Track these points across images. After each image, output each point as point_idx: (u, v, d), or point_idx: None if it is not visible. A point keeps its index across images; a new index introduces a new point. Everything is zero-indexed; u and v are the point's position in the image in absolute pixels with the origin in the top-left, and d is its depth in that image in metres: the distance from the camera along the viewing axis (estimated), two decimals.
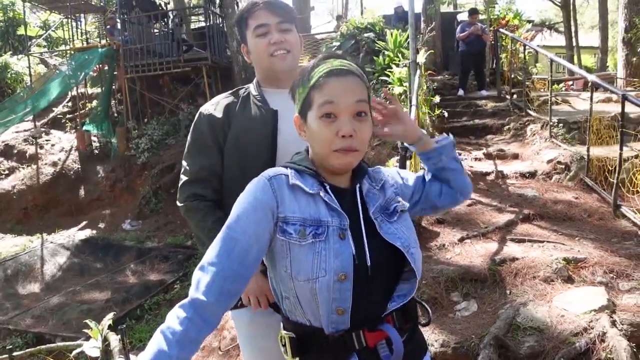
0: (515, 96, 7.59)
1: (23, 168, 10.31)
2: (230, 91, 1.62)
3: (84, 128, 10.66)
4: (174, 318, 0.97)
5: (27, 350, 2.90)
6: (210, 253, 1.04)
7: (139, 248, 7.98)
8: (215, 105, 1.55)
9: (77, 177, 10.25)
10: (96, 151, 10.68)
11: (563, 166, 5.00)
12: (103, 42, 11.54)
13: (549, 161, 5.20)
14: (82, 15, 13.15)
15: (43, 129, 11.27)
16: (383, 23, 9.73)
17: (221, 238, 1.05)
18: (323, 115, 1.07)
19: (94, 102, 11.69)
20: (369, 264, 1.06)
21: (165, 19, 11.81)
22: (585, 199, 4.34)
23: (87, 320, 2.36)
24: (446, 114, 6.59)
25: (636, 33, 8.86)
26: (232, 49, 10.36)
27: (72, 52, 11.53)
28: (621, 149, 3.88)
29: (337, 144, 1.06)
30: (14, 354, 2.58)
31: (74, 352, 2.49)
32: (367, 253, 1.06)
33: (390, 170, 1.29)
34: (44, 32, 14.92)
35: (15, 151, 10.59)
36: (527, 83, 7.26)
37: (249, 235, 1.03)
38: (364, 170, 1.19)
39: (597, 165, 4.60)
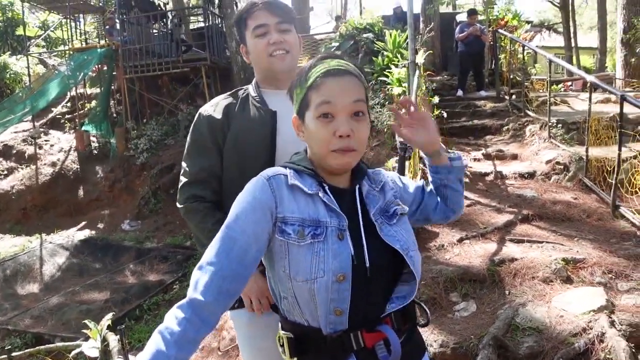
0: (514, 97, 7.59)
1: (22, 168, 10.29)
2: (229, 92, 1.62)
3: (83, 128, 10.65)
4: (172, 318, 0.97)
5: (26, 350, 2.90)
6: (209, 253, 1.04)
7: (138, 248, 7.96)
8: (214, 107, 1.56)
9: (76, 177, 10.24)
10: (95, 151, 10.67)
11: (562, 167, 5.01)
12: (102, 42, 11.53)
13: (548, 162, 5.20)
14: (81, 15, 13.15)
15: (42, 129, 11.25)
16: (382, 23, 9.74)
17: (220, 237, 1.05)
18: (320, 115, 1.07)
19: (93, 103, 11.68)
20: (367, 265, 1.06)
21: (164, 20, 11.80)
22: (584, 199, 4.34)
23: (86, 321, 2.36)
24: (445, 115, 6.59)
25: (635, 34, 8.88)
26: (231, 50, 10.36)
27: (71, 53, 11.51)
28: (620, 150, 3.89)
29: (334, 144, 1.06)
30: (13, 354, 2.58)
31: (73, 353, 2.49)
32: (366, 254, 1.06)
33: (390, 173, 1.29)
34: (43, 32, 14.90)
35: (14, 151, 10.57)
36: (526, 84, 7.26)
37: (247, 235, 1.03)
38: (364, 170, 1.19)
39: (595, 166, 4.61)
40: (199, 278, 1.01)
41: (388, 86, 6.88)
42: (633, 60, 9.20)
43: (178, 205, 1.56)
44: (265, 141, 1.48)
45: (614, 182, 3.95)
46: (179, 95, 10.94)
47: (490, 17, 9.15)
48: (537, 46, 9.31)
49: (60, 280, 7.15)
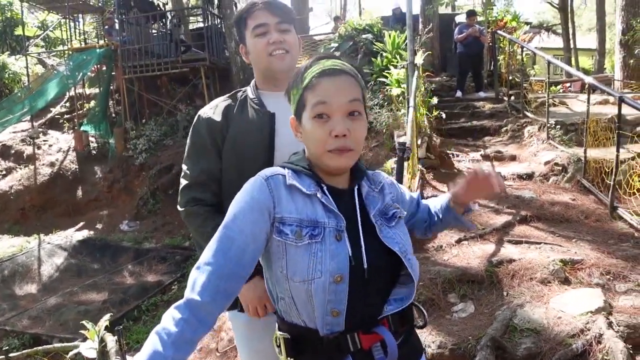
0: (512, 98, 7.61)
1: (20, 168, 10.28)
2: (228, 94, 1.62)
3: (82, 128, 10.64)
4: (170, 319, 0.97)
5: (24, 351, 2.90)
6: (207, 253, 1.04)
7: (137, 249, 7.96)
8: (213, 109, 1.56)
9: (75, 177, 10.23)
10: (94, 152, 10.66)
11: (560, 168, 5.02)
12: (101, 42, 11.52)
13: (546, 163, 5.21)
14: (80, 15, 13.14)
15: (41, 129, 11.24)
16: (381, 24, 9.75)
17: (218, 237, 1.05)
18: (316, 115, 1.07)
19: (92, 103, 11.67)
20: (365, 266, 1.06)
21: (164, 20, 11.79)
22: (582, 200, 4.35)
23: (84, 322, 2.35)
24: (444, 115, 6.61)
25: (633, 35, 8.90)
26: (230, 50, 10.35)
27: (70, 53, 11.50)
28: (618, 151, 3.90)
29: (331, 144, 1.06)
30: (11, 355, 2.58)
31: (71, 353, 2.48)
32: (364, 255, 1.06)
33: (391, 178, 1.29)
34: (42, 32, 14.89)
35: (13, 151, 10.56)
36: (524, 85, 7.28)
37: (245, 235, 1.03)
38: (363, 171, 1.19)
39: (594, 167, 4.62)
40: (197, 278, 1.01)
41: (387, 87, 6.89)
42: (631, 61, 9.22)
43: (179, 208, 1.56)
44: (264, 143, 1.48)
45: (612, 183, 3.96)
46: (178, 96, 10.93)
47: (489, 18, 9.17)
48: (536, 47, 9.31)
49: (59, 281, 7.14)
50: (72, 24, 12.32)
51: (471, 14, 8.60)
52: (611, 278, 2.84)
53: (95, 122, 10.67)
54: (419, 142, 5.02)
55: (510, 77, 7.96)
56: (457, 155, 5.96)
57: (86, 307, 5.90)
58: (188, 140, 1.58)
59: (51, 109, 11.71)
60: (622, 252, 3.16)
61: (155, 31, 11.50)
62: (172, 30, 11.06)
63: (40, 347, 2.87)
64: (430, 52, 8.44)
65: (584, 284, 2.81)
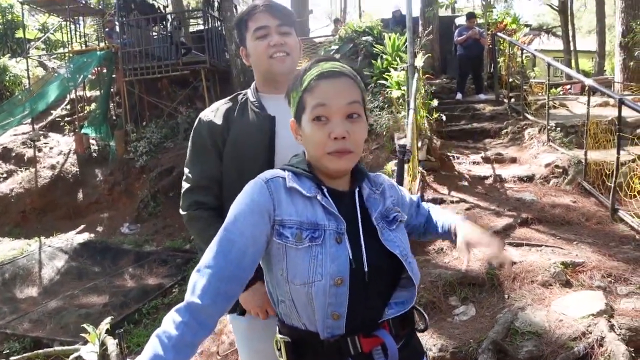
0: (513, 100, 7.61)
1: (21, 171, 10.29)
2: (229, 97, 1.62)
3: (83, 131, 10.65)
4: (170, 322, 0.96)
5: (25, 354, 2.90)
6: (207, 255, 1.03)
7: (137, 252, 7.96)
8: (214, 112, 1.56)
9: (76, 180, 10.24)
10: (94, 154, 10.67)
11: (561, 170, 5.01)
12: (102, 45, 11.55)
13: (547, 165, 5.21)
14: (80, 18, 13.17)
15: (41, 132, 11.25)
16: (381, 27, 9.77)
17: (218, 240, 1.05)
18: (315, 118, 1.07)
19: (93, 105, 11.68)
20: (366, 269, 1.05)
21: (164, 22, 11.82)
22: (583, 202, 4.34)
23: (84, 325, 2.36)
24: (444, 118, 6.61)
25: (633, 37, 8.90)
26: (230, 52, 10.37)
27: (71, 55, 11.53)
28: (618, 153, 3.90)
29: (330, 146, 1.06)
30: (12, 358, 2.58)
31: (72, 357, 2.48)
32: (365, 258, 1.06)
33: (391, 180, 1.29)
34: (43, 34, 14.92)
35: (14, 154, 10.57)
36: (524, 87, 7.28)
37: (246, 237, 1.03)
38: (364, 173, 1.18)
39: (594, 169, 4.61)
40: (197, 281, 1.01)
41: (387, 89, 6.90)
42: (632, 63, 9.21)
43: (181, 212, 1.57)
44: (264, 145, 1.48)
45: (612, 185, 3.95)
46: (178, 98, 10.94)
47: (489, 21, 9.18)
48: (535, 49, 9.31)
49: (59, 284, 7.14)
50: (72, 27, 12.36)
51: (471, 16, 8.61)
52: (612, 281, 2.83)
53: (95, 125, 10.68)
54: (420, 144, 5.01)
55: (511, 80, 7.96)
56: (458, 158, 5.95)
57: (87, 310, 5.89)
58: (189, 144, 1.58)
59: (52, 111, 11.73)
60: (623, 255, 3.15)
61: (156, 34, 11.53)
62: (173, 33, 11.08)
63: (41, 351, 2.87)
64: (430, 55, 8.45)
65: (586, 286, 2.80)
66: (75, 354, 2.37)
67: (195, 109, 10.24)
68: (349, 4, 21.24)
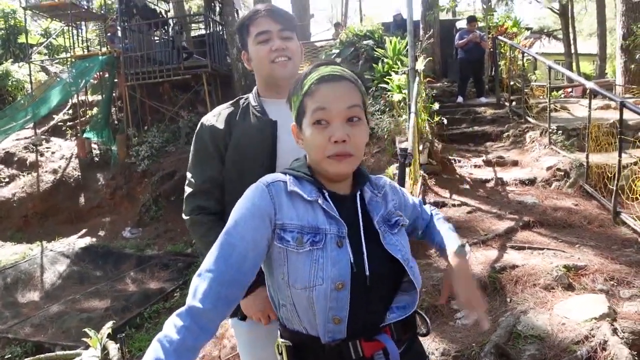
0: (514, 103, 7.61)
1: (23, 176, 10.31)
2: (231, 102, 1.63)
3: (85, 135, 10.68)
4: (171, 326, 0.96)
5: (26, 359, 2.89)
6: (208, 260, 1.03)
7: (139, 256, 7.96)
8: (216, 116, 1.56)
9: (77, 184, 10.25)
10: (96, 159, 10.69)
11: (562, 173, 5.01)
12: (104, 49, 11.59)
13: (549, 168, 5.20)
14: (82, 23, 13.22)
15: (43, 137, 11.29)
16: (382, 30, 9.78)
17: (219, 244, 1.05)
18: (315, 121, 1.07)
19: (95, 110, 11.72)
20: (367, 273, 1.05)
21: (166, 27, 11.86)
22: (584, 206, 4.34)
23: (86, 329, 2.36)
24: (445, 121, 6.61)
25: (634, 40, 8.90)
26: (232, 57, 10.40)
27: (73, 60, 11.56)
28: (620, 156, 3.89)
29: (330, 150, 1.06)
30: None
31: None
32: (366, 262, 1.06)
33: (393, 183, 1.29)
34: (45, 39, 14.99)
35: (16, 159, 10.59)
36: (526, 90, 7.28)
37: (247, 241, 1.03)
38: (366, 176, 1.18)
39: (596, 172, 4.60)
40: (198, 285, 1.01)
41: (388, 93, 6.90)
42: (633, 66, 9.21)
43: (184, 216, 1.57)
44: (266, 150, 1.48)
45: (614, 188, 3.95)
46: (180, 102, 10.97)
47: (490, 24, 9.19)
48: (536, 53, 9.32)
49: (61, 288, 7.14)
50: (74, 32, 12.40)
51: (472, 19, 8.63)
52: (615, 284, 2.82)
53: (97, 129, 10.71)
54: (421, 147, 5.02)
55: (512, 83, 7.96)
56: (459, 161, 5.95)
57: (88, 315, 5.89)
58: (192, 148, 1.59)
59: (54, 116, 11.77)
60: (625, 258, 3.14)
61: (158, 38, 11.57)
62: (174, 38, 11.11)
63: (42, 355, 2.87)
64: (431, 58, 8.47)
65: (588, 290, 2.79)
66: (77, 359, 2.37)
67: (197, 113, 10.26)
68: (350, 8, 21.34)
